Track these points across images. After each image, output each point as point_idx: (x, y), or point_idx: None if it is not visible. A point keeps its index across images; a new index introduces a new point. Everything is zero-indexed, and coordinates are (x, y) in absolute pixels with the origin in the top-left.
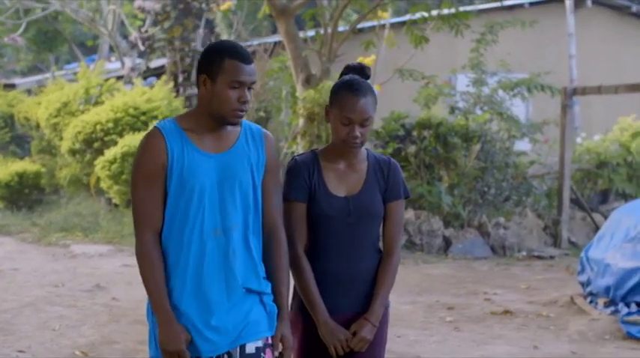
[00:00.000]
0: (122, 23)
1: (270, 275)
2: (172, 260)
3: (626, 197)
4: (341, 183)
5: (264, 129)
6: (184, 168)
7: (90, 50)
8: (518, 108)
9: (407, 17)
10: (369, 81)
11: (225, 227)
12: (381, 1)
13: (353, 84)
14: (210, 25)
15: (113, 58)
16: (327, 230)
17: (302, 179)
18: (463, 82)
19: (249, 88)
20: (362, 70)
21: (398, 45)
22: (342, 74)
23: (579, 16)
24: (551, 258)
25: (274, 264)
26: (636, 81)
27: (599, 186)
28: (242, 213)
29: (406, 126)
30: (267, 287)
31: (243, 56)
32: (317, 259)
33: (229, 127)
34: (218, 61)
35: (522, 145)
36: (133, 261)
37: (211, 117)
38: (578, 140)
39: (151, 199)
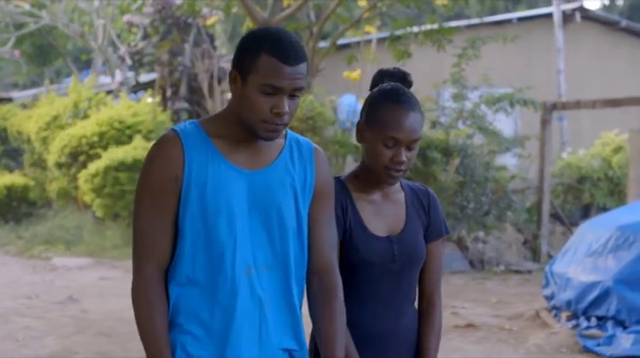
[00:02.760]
0: (117, 36)
1: (319, 335)
2: (188, 303)
3: (607, 211)
4: (380, 219)
5: (314, 144)
6: (207, 186)
7: (85, 64)
8: (505, 122)
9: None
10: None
11: (257, 266)
12: (361, 16)
13: (400, 94)
14: (209, 39)
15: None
16: (363, 279)
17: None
18: (448, 97)
19: (291, 96)
20: (403, 77)
21: (378, 61)
22: (375, 82)
23: (568, 31)
24: (529, 272)
25: (326, 319)
26: (625, 95)
27: (582, 201)
28: (281, 248)
29: None
30: (303, 348)
31: (286, 53)
32: (353, 307)
33: None
34: (252, 55)
35: (507, 160)
36: (111, 273)
37: (241, 124)
38: (564, 155)
39: (158, 223)
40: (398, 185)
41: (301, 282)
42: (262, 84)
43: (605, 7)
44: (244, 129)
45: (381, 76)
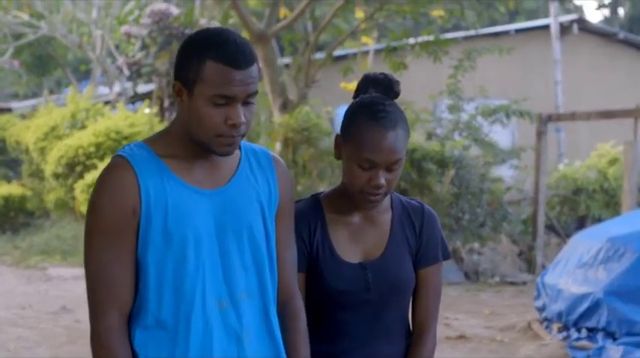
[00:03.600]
0: (116, 47)
1: None
2: (156, 348)
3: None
4: (355, 243)
5: (271, 153)
6: (169, 213)
7: (85, 75)
8: (502, 134)
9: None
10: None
11: (233, 296)
12: (358, 27)
13: (378, 110)
14: None
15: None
16: (336, 309)
17: (299, 240)
18: (444, 109)
19: (245, 103)
20: (388, 85)
21: (375, 71)
22: (358, 90)
23: (566, 43)
24: (524, 283)
25: (292, 348)
26: (623, 107)
27: (578, 213)
28: (256, 274)
29: None
30: None
31: (234, 56)
32: (322, 340)
33: None
34: (196, 63)
35: (504, 171)
36: None
37: (193, 141)
38: (561, 166)
39: (116, 264)
40: (386, 203)
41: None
42: (212, 94)
43: (606, 19)
44: (196, 145)
45: (365, 83)
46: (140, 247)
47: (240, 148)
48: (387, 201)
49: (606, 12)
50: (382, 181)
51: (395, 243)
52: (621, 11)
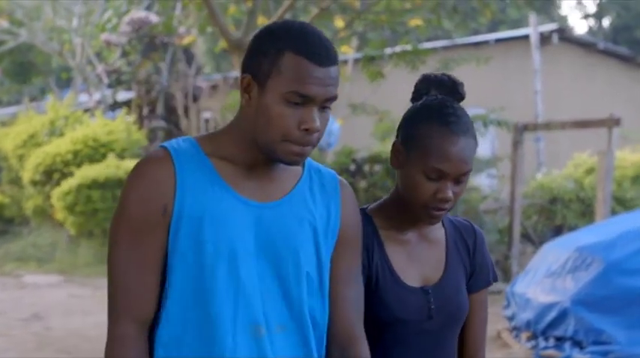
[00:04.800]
0: (98, 55)
1: None
2: None
3: None
4: (413, 265)
5: (339, 177)
6: (205, 219)
7: (67, 82)
8: (482, 143)
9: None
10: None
11: (269, 325)
12: (336, 36)
13: (449, 114)
14: (185, 58)
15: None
16: (390, 342)
17: None
18: None
19: (323, 107)
20: (452, 87)
21: (354, 80)
22: (418, 92)
23: (546, 53)
24: (499, 292)
25: None
26: (601, 117)
27: (554, 222)
28: (298, 303)
29: (357, 160)
30: None
31: (317, 50)
32: None
33: (283, 164)
34: (273, 54)
35: (482, 180)
36: (80, 291)
37: (255, 144)
38: (539, 175)
39: (140, 266)
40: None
41: (322, 347)
42: (287, 91)
43: (590, 29)
44: (257, 150)
45: (426, 84)
46: (169, 253)
47: (303, 165)
48: None
49: (591, 22)
50: (450, 194)
51: (452, 264)
52: (606, 21)
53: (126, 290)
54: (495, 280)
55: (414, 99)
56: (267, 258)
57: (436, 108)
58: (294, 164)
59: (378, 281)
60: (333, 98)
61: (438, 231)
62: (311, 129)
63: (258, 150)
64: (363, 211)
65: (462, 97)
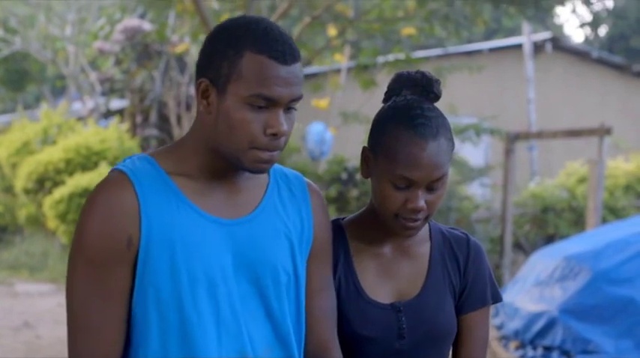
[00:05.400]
0: (92, 63)
1: None
2: None
3: None
4: (386, 280)
5: (307, 180)
6: (177, 246)
7: (62, 90)
8: (475, 152)
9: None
10: (324, 126)
11: (256, 350)
12: (329, 44)
13: (416, 116)
14: (178, 66)
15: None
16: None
17: None
18: None
19: (288, 109)
20: (426, 85)
21: (347, 89)
22: (390, 92)
23: (539, 62)
24: None
25: None
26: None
27: (546, 231)
28: (282, 323)
29: (349, 169)
30: None
31: (279, 48)
32: None
33: (248, 173)
34: (232, 55)
35: (475, 189)
36: None
37: (217, 154)
38: (532, 184)
39: (103, 304)
40: (424, 232)
41: None
42: (250, 94)
43: (587, 38)
44: (220, 160)
45: (397, 84)
46: (137, 287)
47: (269, 172)
48: (424, 229)
49: (588, 31)
50: (421, 203)
51: (434, 280)
52: (602, 30)
53: (88, 330)
54: (496, 300)
55: (385, 100)
56: (246, 278)
57: (403, 110)
58: (262, 172)
59: (339, 296)
60: (299, 98)
61: (421, 245)
62: (279, 133)
63: (221, 160)
64: (336, 222)
65: (436, 97)
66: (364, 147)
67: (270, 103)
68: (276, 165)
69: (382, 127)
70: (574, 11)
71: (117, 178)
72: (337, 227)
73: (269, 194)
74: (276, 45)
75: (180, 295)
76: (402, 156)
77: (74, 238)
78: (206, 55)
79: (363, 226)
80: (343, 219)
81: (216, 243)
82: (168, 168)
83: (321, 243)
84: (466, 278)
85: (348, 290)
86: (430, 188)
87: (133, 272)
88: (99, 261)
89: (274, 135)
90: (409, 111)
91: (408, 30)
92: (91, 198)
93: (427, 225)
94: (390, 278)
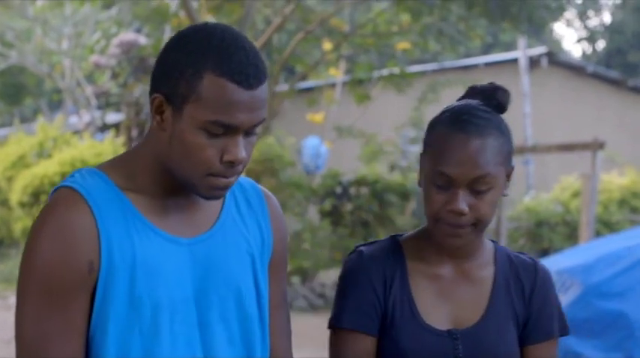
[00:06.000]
0: (89, 77)
1: None
2: None
3: None
4: (443, 304)
5: (261, 187)
6: (137, 270)
7: (59, 104)
8: None
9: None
10: (318, 139)
11: None
12: (323, 58)
13: (461, 113)
14: None
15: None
16: None
17: (371, 293)
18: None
19: (247, 133)
20: (490, 94)
21: (342, 103)
22: (460, 99)
23: (535, 76)
24: None
25: None
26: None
27: (540, 245)
28: (244, 347)
29: (343, 183)
30: None
31: (242, 69)
32: None
33: None
34: (190, 75)
35: None
36: None
37: (170, 173)
38: (527, 198)
39: (61, 335)
40: (488, 255)
41: None
42: (208, 120)
43: (584, 54)
44: (173, 179)
45: (467, 95)
46: (95, 314)
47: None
48: (489, 253)
49: (585, 46)
50: (462, 205)
51: (497, 308)
52: (600, 45)
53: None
54: (564, 333)
55: None
56: (207, 302)
57: (453, 111)
58: (217, 198)
59: (394, 319)
60: (261, 122)
61: (484, 268)
62: (236, 161)
63: (174, 179)
64: (394, 239)
65: (499, 105)
66: (420, 154)
67: (229, 130)
68: None
69: (431, 128)
70: (569, 26)
71: (69, 197)
72: (394, 244)
73: (226, 208)
74: (239, 67)
75: (142, 323)
76: (442, 151)
77: (24, 266)
78: (162, 68)
79: (420, 244)
80: (401, 236)
81: (176, 266)
82: (121, 183)
83: (279, 251)
84: (531, 307)
85: (402, 313)
86: (474, 190)
87: (91, 299)
88: (57, 291)
89: (231, 162)
90: (457, 111)
91: (403, 44)
92: (41, 220)
93: (493, 248)
94: (448, 303)
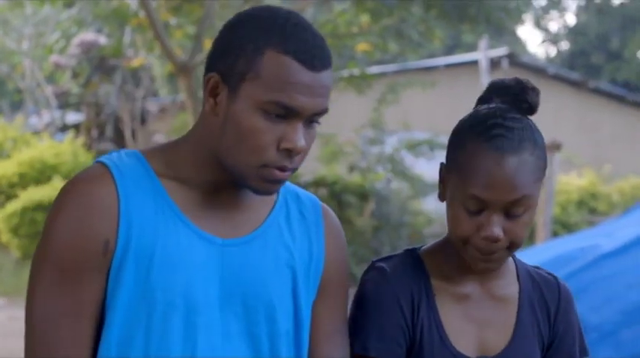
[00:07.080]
0: (49, 77)
1: None
2: None
3: None
4: (469, 327)
5: (323, 204)
6: (155, 261)
7: (20, 104)
8: (432, 167)
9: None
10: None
11: None
12: None
13: (495, 125)
14: (133, 80)
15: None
16: None
17: (399, 316)
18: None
19: (310, 122)
20: (519, 93)
21: None
22: (480, 99)
23: (495, 78)
24: None
25: None
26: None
27: None
28: None
29: (302, 184)
30: None
31: (308, 50)
32: None
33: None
34: (251, 51)
35: (431, 204)
36: (22, 314)
37: (218, 163)
38: None
39: (70, 316)
40: (511, 272)
41: None
42: (267, 100)
43: (547, 56)
44: (222, 170)
45: (490, 93)
46: (108, 300)
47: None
48: (511, 268)
49: (549, 47)
50: (497, 231)
51: (524, 330)
52: (564, 46)
53: (52, 347)
54: (584, 355)
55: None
56: (233, 311)
57: (481, 120)
58: (269, 194)
59: (422, 346)
60: (324, 111)
61: (508, 287)
62: (294, 150)
63: (222, 171)
64: (413, 253)
65: (530, 107)
66: (441, 164)
67: (289, 114)
68: (288, 183)
69: (456, 140)
70: (535, 27)
71: (98, 172)
72: (415, 259)
73: (275, 213)
74: (305, 46)
75: (150, 319)
76: (474, 172)
77: (42, 237)
78: (219, 47)
79: (441, 260)
80: (419, 249)
81: (201, 265)
82: (160, 169)
83: (334, 277)
84: (556, 328)
85: (431, 338)
86: (509, 213)
87: (106, 280)
88: (70, 268)
89: (289, 151)
90: (487, 121)
91: (363, 46)
92: (64, 192)
93: (514, 264)
94: (475, 326)
